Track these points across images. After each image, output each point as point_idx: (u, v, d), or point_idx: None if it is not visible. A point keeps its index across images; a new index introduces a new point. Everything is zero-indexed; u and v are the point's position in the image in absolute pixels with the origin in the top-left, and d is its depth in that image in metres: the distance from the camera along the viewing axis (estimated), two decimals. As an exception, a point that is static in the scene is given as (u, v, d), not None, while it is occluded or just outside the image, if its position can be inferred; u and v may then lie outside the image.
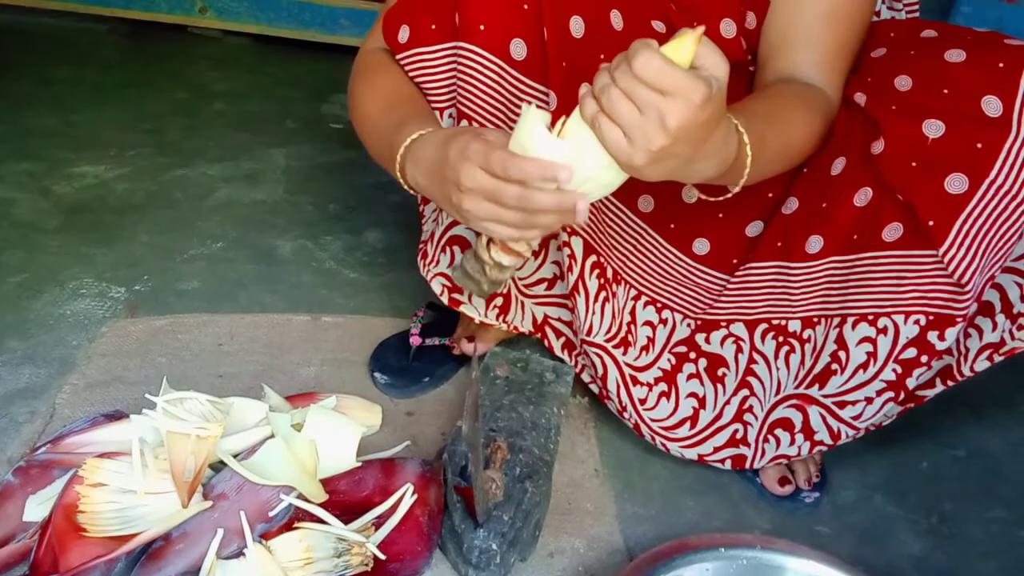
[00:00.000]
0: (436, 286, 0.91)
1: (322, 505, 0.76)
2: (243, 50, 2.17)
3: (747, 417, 0.90)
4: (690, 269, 0.89)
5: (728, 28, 0.82)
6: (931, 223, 0.74)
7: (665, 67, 0.54)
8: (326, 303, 1.17)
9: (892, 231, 0.77)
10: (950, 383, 0.82)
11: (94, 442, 0.78)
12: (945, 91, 0.72)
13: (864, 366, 0.81)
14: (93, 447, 0.78)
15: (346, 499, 0.78)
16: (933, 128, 0.72)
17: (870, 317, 0.81)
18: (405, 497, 0.79)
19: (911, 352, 0.79)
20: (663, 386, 0.91)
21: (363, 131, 0.82)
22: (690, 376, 0.91)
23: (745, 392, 0.89)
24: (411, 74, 0.83)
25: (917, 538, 0.89)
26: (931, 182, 0.73)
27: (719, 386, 0.90)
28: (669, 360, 0.91)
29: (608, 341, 0.89)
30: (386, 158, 0.75)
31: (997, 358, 0.79)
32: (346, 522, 0.76)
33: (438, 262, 0.91)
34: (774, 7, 0.81)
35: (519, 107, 0.81)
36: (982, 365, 0.79)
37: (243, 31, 2.20)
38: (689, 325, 0.91)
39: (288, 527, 0.74)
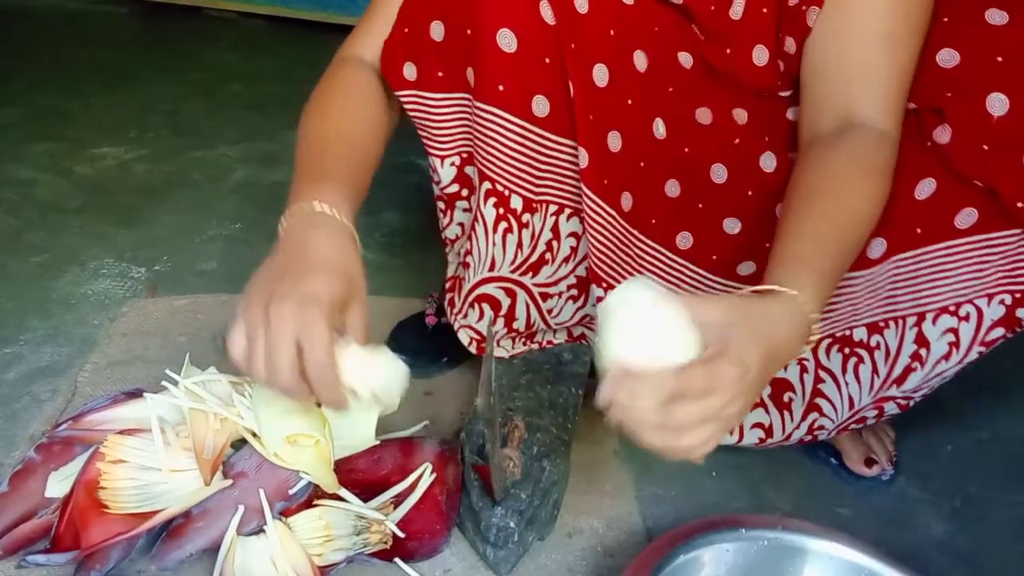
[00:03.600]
0: (463, 337, 0.90)
1: (341, 482, 0.76)
2: (259, 32, 2.17)
3: (817, 433, 0.86)
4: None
5: (760, 55, 0.77)
6: (1020, 204, 0.70)
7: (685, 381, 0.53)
8: (344, 283, 1.17)
9: (966, 217, 0.73)
10: (1013, 333, 0.80)
11: (115, 419, 0.79)
12: (999, 59, 0.68)
13: (946, 356, 0.79)
14: (113, 424, 0.78)
15: (365, 478, 0.78)
16: (997, 105, 0.69)
17: (951, 308, 0.78)
18: (424, 476, 0.79)
19: (998, 332, 0.77)
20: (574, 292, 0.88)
21: (298, 145, 0.76)
22: (755, 405, 0.86)
23: (814, 416, 0.85)
24: (411, 113, 0.81)
25: (940, 521, 0.88)
26: (1009, 162, 0.69)
27: (786, 413, 0.86)
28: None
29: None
30: (294, 181, 0.72)
31: None
32: (365, 500, 0.76)
33: (466, 315, 0.89)
34: (818, 32, 0.74)
35: (545, 164, 0.79)
36: None
37: (259, 12, 2.19)
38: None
39: (308, 505, 0.74)
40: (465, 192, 0.86)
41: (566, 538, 0.81)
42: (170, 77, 1.85)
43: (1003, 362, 1.01)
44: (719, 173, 0.82)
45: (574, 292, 0.89)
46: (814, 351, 0.83)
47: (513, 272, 0.87)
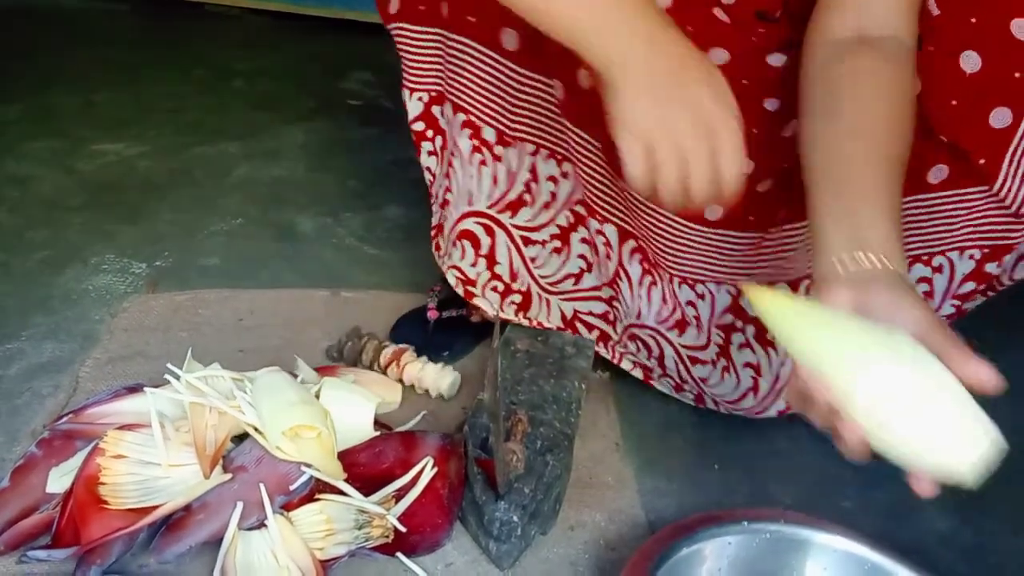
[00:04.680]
0: (450, 278, 0.91)
1: (344, 478, 0.76)
2: (263, 28, 2.16)
3: None
4: (708, 236, 0.86)
5: None
6: (982, 162, 0.72)
7: None
8: (346, 278, 1.17)
9: (937, 173, 0.75)
10: (991, 294, 0.82)
11: (115, 413, 0.79)
12: (973, 20, 0.69)
13: None
14: (114, 418, 0.78)
15: (366, 471, 0.78)
16: (969, 62, 0.69)
17: (924, 257, 0.79)
18: (425, 470, 0.78)
19: (969, 286, 0.78)
20: (724, 362, 0.90)
21: None
22: (741, 346, 0.89)
23: None
24: (398, 47, 0.81)
25: (944, 514, 0.87)
26: (975, 120, 0.70)
27: (770, 350, 0.88)
28: (719, 335, 0.90)
29: (661, 323, 0.88)
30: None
31: None
32: (366, 494, 0.76)
33: (450, 255, 0.91)
34: None
35: (518, 99, 0.80)
36: (1022, 273, 0.79)
37: (263, 9, 2.19)
38: (729, 291, 0.88)
39: (309, 499, 0.74)
40: (430, 133, 0.89)
41: (568, 531, 0.80)
42: (172, 74, 1.85)
43: (1007, 355, 1.01)
44: None
45: (557, 244, 0.90)
46: (795, 293, 0.84)
47: (491, 208, 0.88)
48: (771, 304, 0.57)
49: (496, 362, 0.63)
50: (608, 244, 0.84)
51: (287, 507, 0.73)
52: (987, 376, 0.52)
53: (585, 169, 0.82)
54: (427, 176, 0.95)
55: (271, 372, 0.80)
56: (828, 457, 0.92)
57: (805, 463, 0.92)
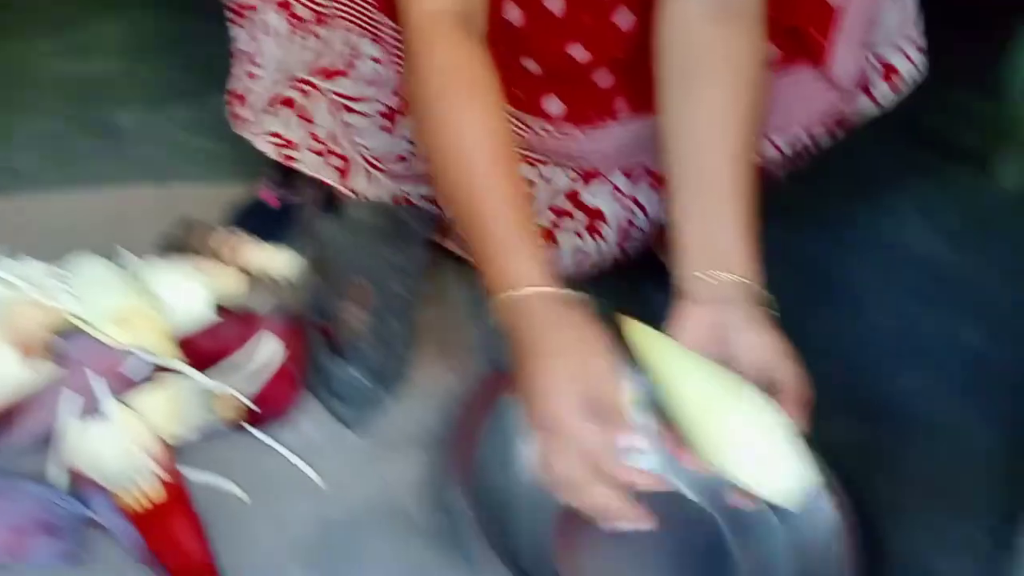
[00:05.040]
0: (263, 145, 0.88)
1: (185, 360, 0.75)
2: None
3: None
4: (551, 132, 0.87)
5: None
6: (816, 39, 0.75)
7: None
8: (175, 172, 1.12)
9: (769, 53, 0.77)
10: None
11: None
12: None
13: None
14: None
15: (208, 355, 0.77)
16: None
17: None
18: (273, 348, 0.78)
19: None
20: (548, 243, 0.92)
21: (446, 171, 0.65)
22: (573, 232, 0.92)
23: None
24: None
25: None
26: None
27: (599, 240, 0.91)
28: (548, 218, 0.92)
29: None
30: (468, 240, 0.64)
31: None
32: (212, 377, 0.75)
33: (262, 123, 0.88)
34: None
35: None
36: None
37: None
38: (569, 176, 0.90)
39: (149, 385, 0.73)
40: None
41: (420, 394, 0.83)
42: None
43: (820, 195, 1.09)
44: (514, 15, 0.81)
45: (386, 123, 0.88)
46: (631, 182, 0.89)
47: (308, 74, 0.86)
48: (639, 340, 0.64)
49: (322, 227, 0.61)
50: None
51: (128, 395, 0.72)
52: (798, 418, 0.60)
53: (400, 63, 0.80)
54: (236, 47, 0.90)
55: (92, 260, 0.77)
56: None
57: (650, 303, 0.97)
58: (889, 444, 0.83)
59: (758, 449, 0.58)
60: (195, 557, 0.62)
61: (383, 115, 0.89)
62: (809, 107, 0.82)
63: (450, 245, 0.97)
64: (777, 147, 0.86)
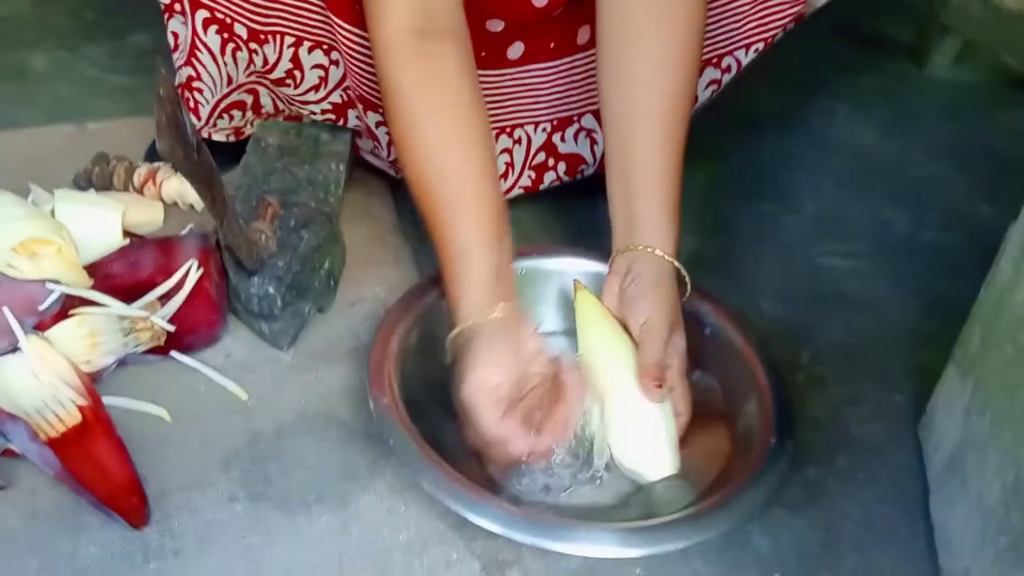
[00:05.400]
0: (221, 137, 0.91)
1: (100, 289, 0.74)
2: None
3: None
4: (516, 77, 0.86)
5: None
6: None
7: None
8: (91, 111, 1.09)
9: None
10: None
11: None
12: None
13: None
14: None
15: (124, 282, 0.76)
16: None
17: (714, 60, 0.87)
18: (191, 272, 0.77)
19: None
20: (523, 193, 0.93)
21: (419, 174, 0.68)
22: (552, 181, 0.92)
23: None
24: None
25: (691, 237, 0.94)
26: None
27: (578, 177, 0.92)
28: (530, 176, 0.91)
29: None
30: (435, 239, 0.68)
31: None
32: (129, 304, 0.74)
33: (215, 125, 0.89)
34: None
35: None
36: None
37: None
38: (545, 129, 0.89)
39: (63, 316, 0.72)
40: (178, 7, 0.82)
41: (348, 307, 0.83)
42: None
43: (754, 98, 1.10)
44: None
45: (331, 116, 0.89)
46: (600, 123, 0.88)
47: (250, 76, 0.86)
48: (579, 306, 0.71)
49: (171, 94, 0.57)
50: None
51: (40, 327, 0.71)
52: (653, 397, 0.65)
53: (356, 64, 0.79)
54: (171, 40, 0.86)
55: (-9, 194, 0.75)
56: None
57: (578, 215, 0.97)
58: (815, 322, 0.84)
59: (630, 429, 0.65)
60: (117, 476, 0.62)
61: (327, 112, 0.89)
62: (761, 20, 0.84)
63: (375, 161, 0.96)
64: (739, 62, 0.87)
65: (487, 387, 0.61)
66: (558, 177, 0.92)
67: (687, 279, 0.71)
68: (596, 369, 0.67)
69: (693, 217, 0.97)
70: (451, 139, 0.67)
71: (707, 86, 0.89)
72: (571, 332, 0.73)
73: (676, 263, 0.71)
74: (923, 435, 0.72)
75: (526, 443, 0.61)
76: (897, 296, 0.89)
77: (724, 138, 1.11)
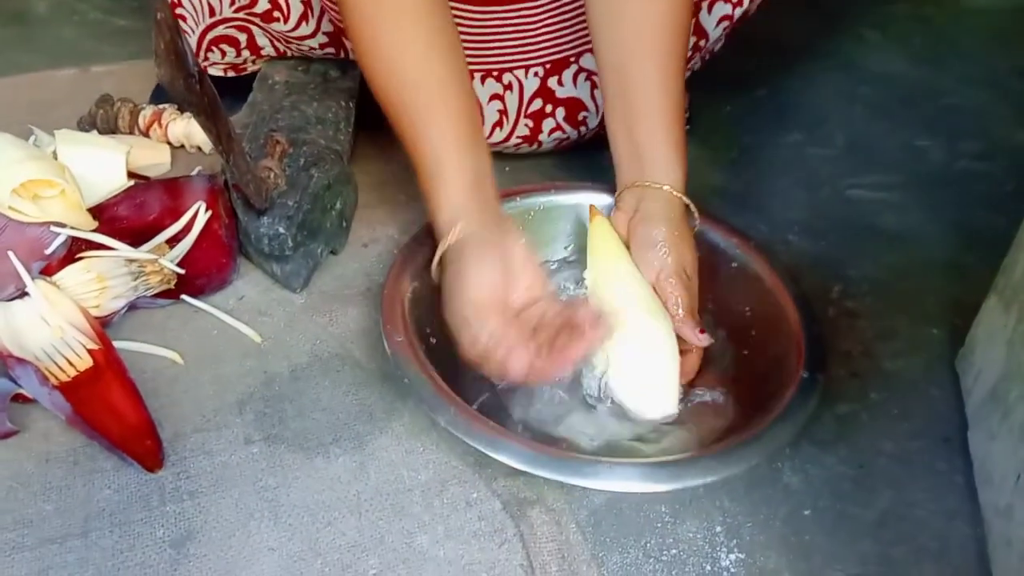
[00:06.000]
0: (216, 71, 0.89)
1: (106, 232, 0.72)
2: None
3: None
4: (504, 16, 0.81)
5: None
6: None
7: None
8: (95, 55, 1.06)
9: None
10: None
11: None
12: None
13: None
14: None
15: (132, 225, 0.74)
16: None
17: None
18: (199, 213, 0.75)
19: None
20: (526, 147, 0.89)
21: (388, 94, 0.65)
22: (552, 130, 0.87)
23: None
24: None
25: (717, 170, 0.92)
26: None
27: (582, 129, 0.88)
28: (527, 125, 0.87)
29: None
30: (408, 152, 0.66)
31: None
32: (137, 247, 0.73)
33: (207, 59, 0.86)
34: None
35: None
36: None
37: None
38: (537, 74, 0.85)
39: (70, 260, 0.70)
40: None
41: (362, 248, 0.81)
42: None
43: (779, 27, 1.05)
44: None
45: (331, 51, 0.85)
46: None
47: (237, 12, 0.83)
48: (592, 231, 0.69)
49: (168, 36, 0.54)
50: None
51: (47, 271, 0.69)
52: (694, 340, 0.64)
53: None
54: None
55: (-8, 136, 0.73)
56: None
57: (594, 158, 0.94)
58: (845, 255, 0.81)
59: (634, 365, 0.62)
60: (130, 420, 0.61)
61: (324, 46, 0.85)
62: None
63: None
64: None
65: (482, 295, 0.59)
66: (558, 125, 0.87)
67: (695, 213, 0.69)
68: (602, 299, 0.64)
69: (718, 150, 0.95)
70: (413, 41, 0.63)
71: (718, 23, 0.84)
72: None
73: (685, 199, 0.68)
74: (961, 368, 0.69)
75: (526, 356, 0.58)
76: (931, 228, 0.85)
77: (749, 67, 1.07)
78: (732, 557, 0.57)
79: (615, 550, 0.57)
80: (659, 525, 0.58)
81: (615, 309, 0.62)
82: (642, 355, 0.62)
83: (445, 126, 0.63)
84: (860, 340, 0.72)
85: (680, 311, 0.64)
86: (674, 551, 0.57)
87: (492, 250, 0.61)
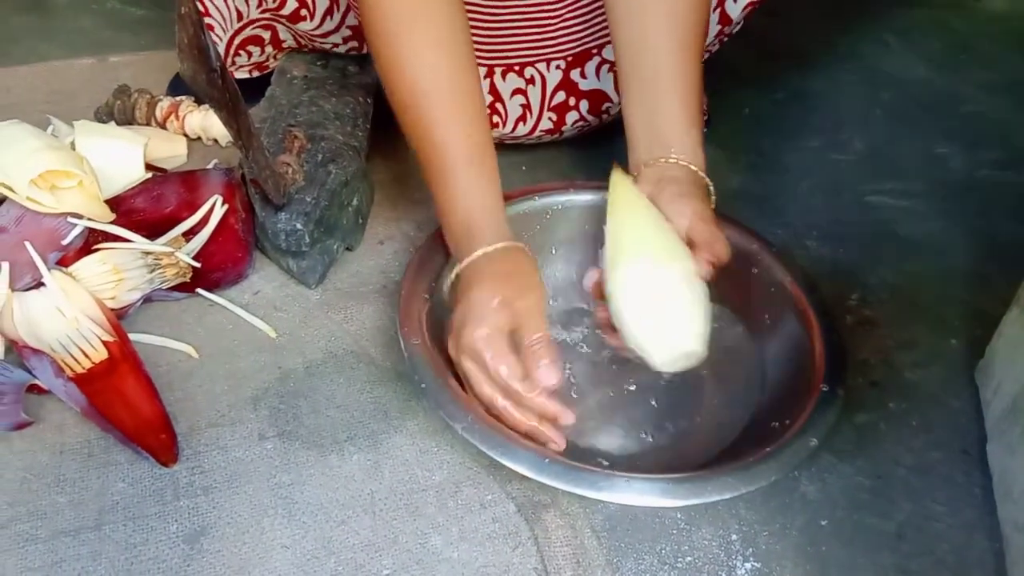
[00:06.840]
0: (243, 74, 0.90)
1: (123, 224, 0.72)
2: None
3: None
4: (521, 10, 0.80)
5: None
6: None
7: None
8: (112, 44, 1.06)
9: None
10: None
11: None
12: None
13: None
14: None
15: (148, 217, 0.74)
16: None
17: None
18: (216, 207, 0.75)
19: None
20: (548, 137, 0.88)
21: (406, 110, 0.65)
22: (576, 122, 0.87)
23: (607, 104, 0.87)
24: None
25: (736, 173, 0.91)
26: None
27: (604, 117, 0.87)
28: (551, 118, 0.86)
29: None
30: (427, 179, 0.65)
31: None
32: (153, 239, 0.72)
33: (235, 62, 0.87)
34: None
35: None
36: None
37: None
38: (559, 67, 0.84)
39: (87, 251, 0.70)
40: None
41: (378, 245, 0.80)
42: None
43: (801, 27, 1.04)
44: None
45: (354, 43, 0.85)
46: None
47: (263, 13, 0.83)
48: (613, 186, 0.66)
49: (189, 29, 0.54)
50: None
51: (64, 262, 0.69)
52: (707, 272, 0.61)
53: None
54: None
55: (9, 124, 0.73)
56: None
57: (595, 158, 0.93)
58: (864, 262, 0.80)
59: (658, 312, 0.58)
60: (145, 413, 0.61)
61: (347, 40, 0.85)
62: None
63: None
64: None
65: (487, 311, 0.59)
66: (581, 117, 0.87)
67: (713, 194, 0.67)
68: (619, 246, 0.62)
69: (737, 153, 0.94)
70: (438, 63, 0.63)
71: (744, 8, 0.82)
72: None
73: (707, 179, 0.66)
74: (980, 380, 0.68)
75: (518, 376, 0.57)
76: (952, 236, 0.84)
77: (770, 71, 1.06)
78: (748, 566, 0.56)
79: (630, 556, 0.56)
80: (674, 532, 0.58)
81: (627, 259, 0.60)
82: (652, 303, 0.59)
83: (455, 139, 0.63)
84: (879, 349, 0.71)
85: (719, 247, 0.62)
86: (689, 558, 0.56)
87: (500, 286, 0.60)
